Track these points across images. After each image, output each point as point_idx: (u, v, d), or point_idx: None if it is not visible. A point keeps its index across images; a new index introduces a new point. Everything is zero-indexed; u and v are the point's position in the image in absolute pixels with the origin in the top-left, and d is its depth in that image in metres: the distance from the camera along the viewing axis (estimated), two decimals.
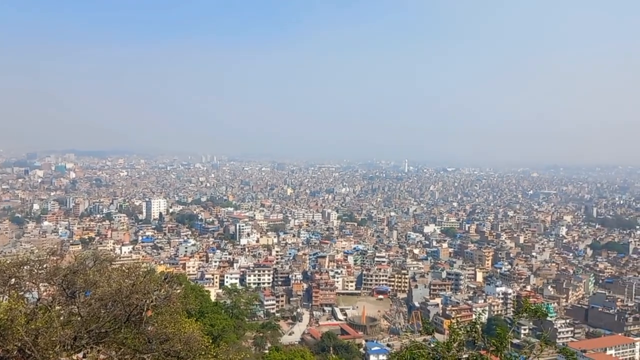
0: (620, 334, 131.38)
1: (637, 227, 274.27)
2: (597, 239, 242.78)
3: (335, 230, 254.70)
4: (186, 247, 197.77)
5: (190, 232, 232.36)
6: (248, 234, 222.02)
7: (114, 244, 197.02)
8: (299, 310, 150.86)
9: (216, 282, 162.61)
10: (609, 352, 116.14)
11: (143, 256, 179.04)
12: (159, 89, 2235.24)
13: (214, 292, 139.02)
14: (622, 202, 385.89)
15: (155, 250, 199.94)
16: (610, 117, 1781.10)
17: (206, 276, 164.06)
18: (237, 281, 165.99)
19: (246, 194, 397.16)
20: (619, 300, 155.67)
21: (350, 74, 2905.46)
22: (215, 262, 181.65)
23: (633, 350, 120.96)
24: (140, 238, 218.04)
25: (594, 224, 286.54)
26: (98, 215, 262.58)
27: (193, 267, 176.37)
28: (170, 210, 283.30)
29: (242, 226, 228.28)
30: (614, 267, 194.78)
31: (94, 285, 23.23)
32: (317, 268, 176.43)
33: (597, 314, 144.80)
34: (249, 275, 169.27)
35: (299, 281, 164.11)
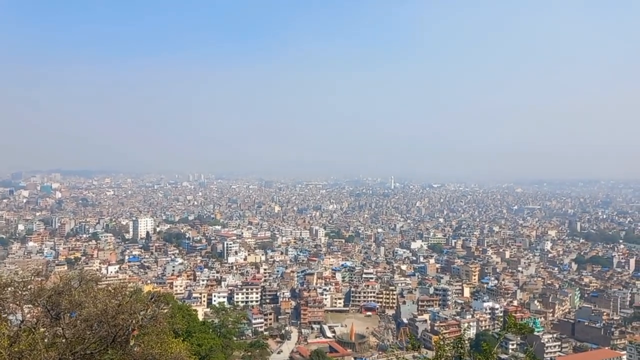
0: (607, 348, 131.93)
1: (620, 241, 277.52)
2: (582, 253, 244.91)
3: (323, 247, 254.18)
4: (173, 266, 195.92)
5: (177, 251, 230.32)
6: (236, 252, 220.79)
7: (100, 264, 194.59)
8: (287, 328, 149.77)
9: (204, 301, 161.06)
10: None
11: (130, 276, 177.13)
12: (146, 108, 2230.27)
13: (201, 311, 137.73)
14: (605, 216, 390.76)
15: (142, 270, 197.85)
16: (593, 135, 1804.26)
17: (194, 295, 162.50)
18: (225, 300, 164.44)
19: (234, 212, 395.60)
20: (605, 314, 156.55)
21: (337, 93, 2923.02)
22: (203, 280, 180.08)
23: None
24: (127, 257, 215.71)
25: (578, 238, 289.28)
26: (84, 235, 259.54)
27: (180, 286, 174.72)
28: (158, 229, 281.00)
29: (230, 244, 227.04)
30: (598, 281, 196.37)
31: (79, 306, 23.15)
32: (305, 285, 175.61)
33: (584, 328, 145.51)
34: (237, 294, 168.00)
35: (287, 299, 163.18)
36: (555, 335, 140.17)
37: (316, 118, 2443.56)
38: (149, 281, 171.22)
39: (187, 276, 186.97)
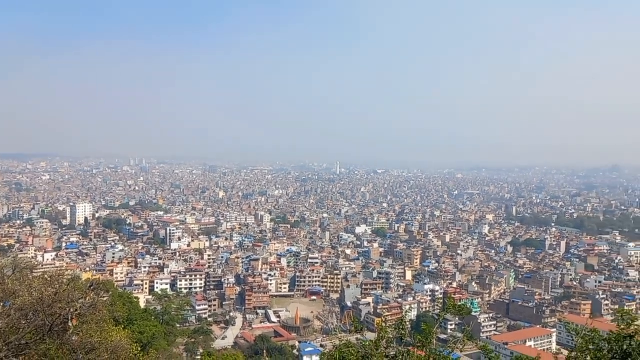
0: (538, 326, 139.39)
1: (553, 224, 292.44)
2: (517, 236, 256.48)
3: (269, 233, 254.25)
4: (114, 253, 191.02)
5: (118, 238, 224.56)
6: (179, 238, 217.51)
7: (35, 251, 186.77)
8: (232, 314, 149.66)
9: (146, 288, 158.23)
10: (528, 343, 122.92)
11: (67, 263, 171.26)
12: (84, 89, 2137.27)
13: (143, 299, 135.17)
14: (538, 201, 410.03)
15: (80, 257, 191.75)
16: (527, 125, 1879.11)
17: (135, 282, 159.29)
18: (168, 287, 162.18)
19: (177, 197, 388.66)
20: (537, 294, 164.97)
21: (282, 77, 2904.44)
22: (145, 267, 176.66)
23: (550, 341, 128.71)
24: (64, 244, 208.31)
25: (513, 222, 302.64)
26: (18, 222, 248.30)
27: (121, 273, 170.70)
28: (97, 215, 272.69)
29: (173, 230, 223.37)
30: (532, 263, 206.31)
31: (13, 294, 22.44)
32: (250, 271, 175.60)
33: (518, 307, 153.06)
34: (181, 280, 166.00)
35: (232, 285, 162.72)
36: (491, 315, 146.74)
37: (262, 103, 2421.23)
38: (87, 269, 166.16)
39: (128, 263, 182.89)
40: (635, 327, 14.63)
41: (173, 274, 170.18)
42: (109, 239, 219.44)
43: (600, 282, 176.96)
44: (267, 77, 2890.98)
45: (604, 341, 14.87)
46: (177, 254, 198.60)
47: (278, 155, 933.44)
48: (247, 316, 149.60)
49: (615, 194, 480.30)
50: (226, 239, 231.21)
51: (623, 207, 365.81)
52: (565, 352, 17.03)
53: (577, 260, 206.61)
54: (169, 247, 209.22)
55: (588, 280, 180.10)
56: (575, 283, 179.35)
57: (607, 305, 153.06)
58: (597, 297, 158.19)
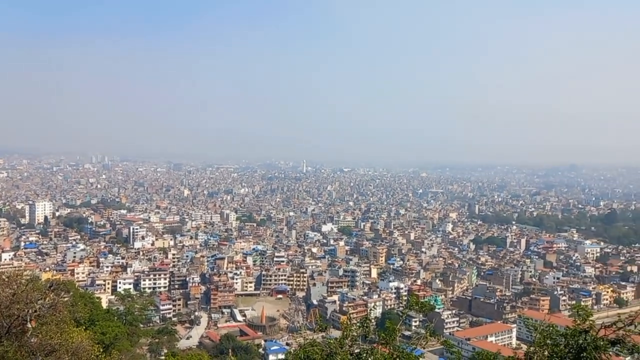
0: (499, 322, 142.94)
1: (513, 222, 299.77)
2: (479, 234, 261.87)
3: (234, 231, 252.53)
4: (75, 253, 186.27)
5: (79, 237, 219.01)
6: (142, 237, 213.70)
7: None
8: (197, 313, 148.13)
9: (108, 288, 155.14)
10: (490, 338, 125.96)
11: (26, 263, 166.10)
12: (43, 85, 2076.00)
13: (105, 299, 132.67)
14: (500, 199, 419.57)
15: (40, 257, 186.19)
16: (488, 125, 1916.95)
17: (97, 282, 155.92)
18: (131, 286, 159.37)
19: (140, 195, 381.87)
20: (498, 290, 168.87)
21: (250, 74, 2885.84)
22: (107, 267, 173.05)
23: (510, 336, 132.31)
24: (22, 244, 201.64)
25: (476, 220, 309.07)
26: None
27: (82, 273, 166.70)
28: (57, 214, 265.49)
29: (136, 229, 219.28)
30: (493, 260, 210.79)
31: None
32: (215, 270, 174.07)
33: (479, 304, 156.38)
34: (144, 280, 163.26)
35: (196, 284, 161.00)
36: (454, 311, 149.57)
37: (229, 101, 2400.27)
38: (47, 268, 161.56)
39: (90, 263, 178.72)
40: (590, 322, 15.07)
41: (136, 274, 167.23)
42: (69, 238, 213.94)
43: (558, 278, 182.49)
44: (234, 74, 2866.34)
45: (561, 336, 15.28)
46: (141, 253, 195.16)
47: (244, 153, 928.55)
48: (212, 315, 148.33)
49: (573, 192, 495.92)
50: (191, 238, 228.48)
51: (580, 206, 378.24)
52: (525, 347, 17.59)
53: (537, 257, 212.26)
54: (132, 246, 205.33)
55: (547, 276, 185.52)
56: (534, 279, 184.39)
57: (564, 300, 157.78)
58: (555, 293, 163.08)
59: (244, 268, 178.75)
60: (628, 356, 14.98)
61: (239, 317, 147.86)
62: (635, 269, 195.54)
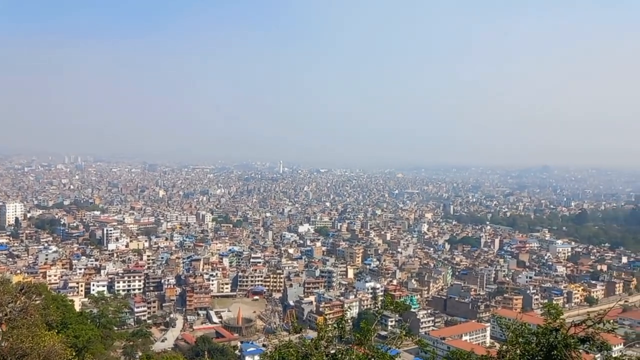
0: (473, 321, 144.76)
1: (487, 222, 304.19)
2: (454, 234, 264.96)
3: (210, 233, 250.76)
4: (47, 255, 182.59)
5: (51, 238, 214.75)
6: (117, 239, 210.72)
7: None
8: (172, 315, 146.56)
9: (81, 291, 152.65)
10: (464, 337, 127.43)
11: None
12: (15, 83, 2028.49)
13: (78, 302, 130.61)
14: (474, 200, 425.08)
15: (10, 259, 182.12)
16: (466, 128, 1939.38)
17: (70, 285, 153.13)
18: (105, 289, 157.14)
19: (114, 196, 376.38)
20: (473, 290, 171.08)
21: (225, 72, 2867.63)
22: (80, 269, 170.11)
23: (484, 335, 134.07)
24: None
25: (451, 220, 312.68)
26: None
27: (55, 275, 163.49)
28: (29, 215, 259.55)
29: (110, 230, 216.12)
30: (468, 260, 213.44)
31: None
32: (191, 271, 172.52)
33: (454, 303, 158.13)
34: (118, 282, 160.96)
35: (172, 286, 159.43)
36: (429, 311, 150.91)
37: (203, 101, 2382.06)
38: (18, 271, 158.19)
39: (63, 265, 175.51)
40: (561, 320, 15.36)
41: (110, 276, 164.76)
42: (41, 240, 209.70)
43: (530, 277, 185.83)
44: (209, 76, 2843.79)
45: (532, 334, 15.50)
46: (115, 254, 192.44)
47: (220, 154, 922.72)
48: (188, 317, 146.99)
49: (545, 193, 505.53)
50: (166, 239, 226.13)
51: (552, 206, 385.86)
52: (498, 346, 17.87)
53: (510, 257, 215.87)
54: (106, 248, 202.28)
55: (520, 276, 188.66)
56: (507, 279, 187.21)
57: (537, 299, 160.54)
58: (528, 292, 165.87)
59: (220, 269, 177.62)
60: (597, 354, 15.22)
61: (215, 319, 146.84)
62: (605, 268, 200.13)
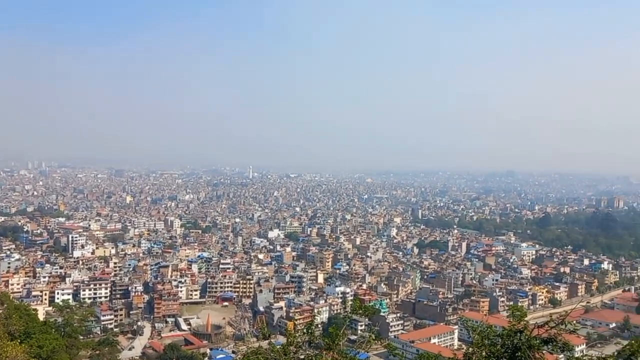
0: (442, 324, 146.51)
1: (455, 226, 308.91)
2: (422, 238, 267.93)
3: (179, 239, 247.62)
4: (9, 263, 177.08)
5: (14, 246, 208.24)
6: (82, 246, 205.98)
7: None
8: (139, 323, 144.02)
9: (45, 300, 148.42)
10: (433, 340, 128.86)
11: None
12: None
13: (42, 311, 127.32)
14: (442, 204, 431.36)
15: None
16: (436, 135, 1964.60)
17: (33, 293, 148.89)
18: (70, 297, 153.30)
19: (80, 202, 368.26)
20: (441, 293, 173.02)
21: (193, 77, 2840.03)
22: (44, 277, 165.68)
23: (452, 337, 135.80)
24: None
25: (419, 224, 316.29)
26: None
27: (17, 284, 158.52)
28: None
29: (76, 237, 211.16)
30: (436, 263, 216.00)
31: None
32: (159, 278, 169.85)
33: (423, 306, 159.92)
34: (84, 290, 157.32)
35: (139, 293, 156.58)
36: (398, 314, 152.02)
37: (173, 106, 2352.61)
38: None
39: (26, 273, 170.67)
40: (525, 322, 15.85)
41: (75, 284, 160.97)
42: (3, 248, 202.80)
43: (497, 280, 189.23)
44: (176, 77, 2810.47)
45: (498, 336, 15.94)
46: (80, 262, 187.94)
47: (189, 159, 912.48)
48: (156, 325, 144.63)
49: (510, 197, 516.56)
50: (133, 246, 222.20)
51: (517, 210, 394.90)
52: (465, 348, 18.29)
53: (477, 260, 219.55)
54: (71, 255, 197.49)
55: (486, 278, 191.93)
56: (474, 282, 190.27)
57: (503, 302, 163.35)
58: (494, 294, 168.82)
59: (189, 276, 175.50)
60: (560, 354, 15.68)
61: (184, 326, 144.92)
62: (567, 270, 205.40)
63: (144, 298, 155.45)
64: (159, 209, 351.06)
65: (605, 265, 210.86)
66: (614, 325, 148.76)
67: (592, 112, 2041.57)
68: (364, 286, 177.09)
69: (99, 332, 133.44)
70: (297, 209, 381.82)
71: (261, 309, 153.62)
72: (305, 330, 18.90)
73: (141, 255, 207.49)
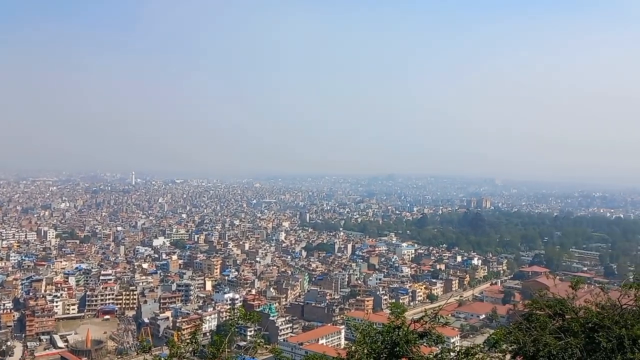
0: (329, 324, 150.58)
1: (341, 229, 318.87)
2: (310, 241, 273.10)
3: (54, 250, 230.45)
4: None
5: None
6: None
7: None
8: (9, 343, 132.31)
9: None
10: (321, 341, 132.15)
11: None
12: None
13: None
14: (328, 207, 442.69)
15: None
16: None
17: None
18: None
19: None
20: (328, 294, 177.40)
21: (87, 79, 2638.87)
22: None
23: (340, 337, 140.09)
24: None
25: (307, 227, 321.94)
26: None
27: None
28: None
29: None
30: (323, 265, 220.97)
31: None
32: (31, 293, 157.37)
33: (311, 308, 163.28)
34: None
35: (8, 310, 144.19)
36: (287, 317, 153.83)
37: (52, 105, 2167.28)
38: None
39: None
40: (403, 318, 17.13)
41: None
42: None
43: (380, 279, 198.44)
44: (67, 78, 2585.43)
45: (378, 333, 17.07)
46: None
47: (64, 164, 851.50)
48: (28, 344, 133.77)
49: (391, 200, 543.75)
50: (1, 259, 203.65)
51: (397, 212, 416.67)
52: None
53: (362, 260, 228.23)
54: None
55: (370, 278, 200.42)
56: (360, 282, 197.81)
57: (386, 300, 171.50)
58: (378, 293, 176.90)
59: (66, 289, 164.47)
60: (435, 346, 17.10)
61: (60, 343, 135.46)
62: (443, 267, 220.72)
63: (14, 315, 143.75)
64: (30, 218, 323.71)
65: (475, 261, 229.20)
66: (483, 316, 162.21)
67: (463, 114, 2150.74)
68: (253, 291, 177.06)
69: None
70: (184, 215, 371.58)
71: (146, 320, 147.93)
72: (189, 340, 18.29)
73: (10, 269, 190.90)
